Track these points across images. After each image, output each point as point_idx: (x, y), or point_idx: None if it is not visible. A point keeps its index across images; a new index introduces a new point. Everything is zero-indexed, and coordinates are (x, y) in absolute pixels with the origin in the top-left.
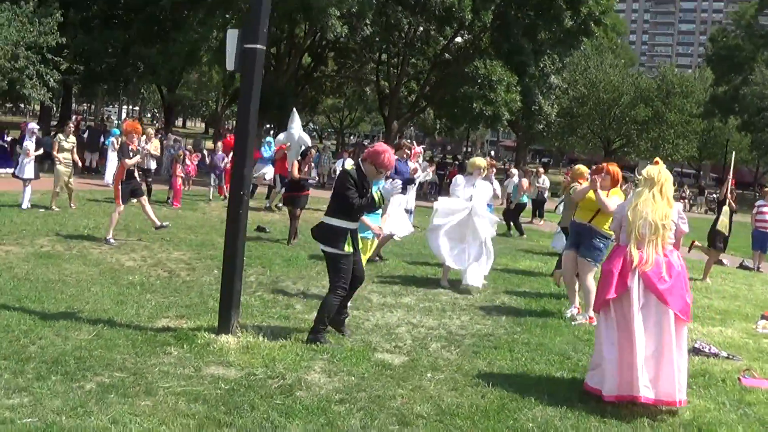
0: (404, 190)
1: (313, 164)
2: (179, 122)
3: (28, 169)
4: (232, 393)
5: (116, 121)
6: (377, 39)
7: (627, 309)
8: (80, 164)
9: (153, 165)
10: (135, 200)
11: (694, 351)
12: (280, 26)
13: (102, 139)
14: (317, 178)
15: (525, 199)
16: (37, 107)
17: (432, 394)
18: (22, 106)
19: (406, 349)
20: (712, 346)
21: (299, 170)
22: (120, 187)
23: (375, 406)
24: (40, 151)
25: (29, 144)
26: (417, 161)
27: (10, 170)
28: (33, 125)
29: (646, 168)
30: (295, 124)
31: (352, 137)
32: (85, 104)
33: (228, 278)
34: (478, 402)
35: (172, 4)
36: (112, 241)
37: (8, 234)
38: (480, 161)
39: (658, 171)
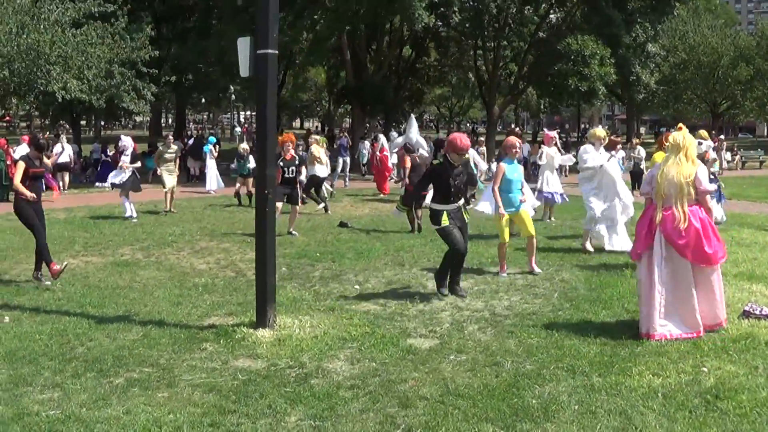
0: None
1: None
2: (297, 123)
3: (128, 181)
4: (247, 383)
5: (237, 129)
6: (467, 25)
7: (652, 261)
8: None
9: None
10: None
11: (744, 314)
12: (369, 21)
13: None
14: None
15: None
16: (143, 119)
17: (446, 375)
18: (137, 119)
19: (440, 333)
20: (765, 307)
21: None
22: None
23: (382, 390)
24: (137, 164)
25: (125, 158)
26: (554, 144)
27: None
28: (126, 140)
29: (672, 135)
30: (413, 129)
31: (468, 124)
32: (204, 113)
33: (261, 274)
34: (490, 381)
35: None
36: (295, 233)
37: (94, 245)
38: (600, 131)
39: (683, 137)
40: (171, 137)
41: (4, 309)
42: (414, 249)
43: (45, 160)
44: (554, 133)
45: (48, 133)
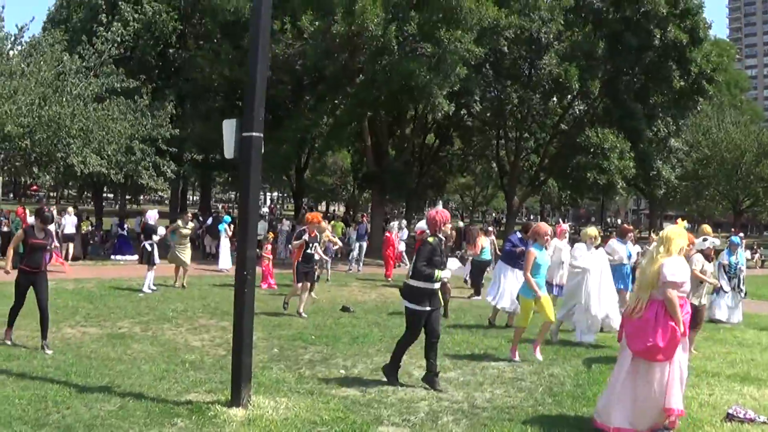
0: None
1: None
2: (322, 207)
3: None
4: None
5: (264, 209)
6: (488, 115)
7: None
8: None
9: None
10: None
11: (728, 417)
12: (390, 109)
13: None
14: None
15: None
16: (168, 195)
17: None
18: (162, 195)
19: (413, 422)
20: (750, 411)
21: None
22: (297, 267)
23: None
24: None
25: (162, 230)
26: (564, 237)
27: (132, 257)
28: (153, 213)
29: (666, 228)
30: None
31: (493, 214)
32: (232, 192)
33: (236, 354)
34: None
35: (288, 93)
36: (300, 314)
37: (96, 317)
38: (591, 231)
39: (670, 230)
40: (190, 214)
41: None
42: None
43: (50, 230)
44: (566, 226)
45: (56, 203)
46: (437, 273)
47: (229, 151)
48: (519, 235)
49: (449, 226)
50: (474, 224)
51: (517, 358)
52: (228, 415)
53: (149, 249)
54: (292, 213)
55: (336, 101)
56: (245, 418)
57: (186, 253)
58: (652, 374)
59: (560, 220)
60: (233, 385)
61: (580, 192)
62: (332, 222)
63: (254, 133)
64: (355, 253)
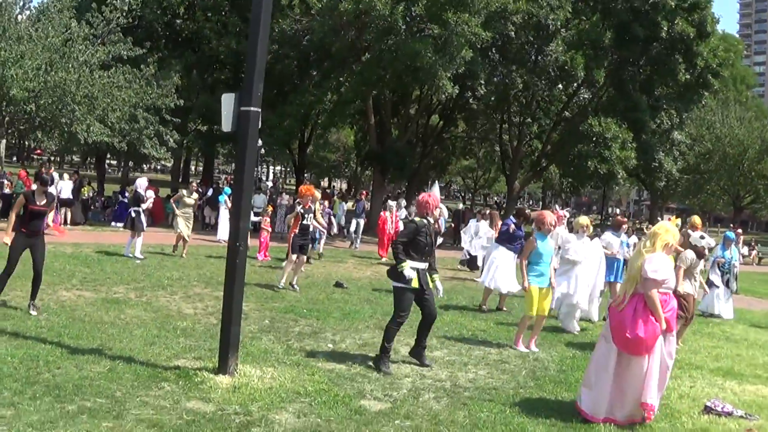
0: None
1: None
2: (325, 183)
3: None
4: (190, 424)
5: (267, 183)
6: (493, 98)
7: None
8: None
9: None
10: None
11: (706, 410)
12: (395, 88)
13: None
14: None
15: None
16: (171, 164)
17: None
18: (165, 164)
19: (395, 398)
20: (728, 404)
21: None
22: (293, 239)
23: None
24: (148, 204)
25: (151, 194)
26: (562, 224)
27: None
28: (143, 181)
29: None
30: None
31: (495, 198)
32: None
33: (226, 323)
34: None
35: (293, 68)
36: (293, 287)
37: (92, 281)
38: (583, 220)
39: (658, 225)
40: (195, 184)
41: None
42: None
43: (52, 193)
44: (565, 213)
45: (54, 167)
46: (404, 264)
47: (227, 125)
48: (514, 220)
49: (438, 211)
50: (475, 207)
51: (521, 347)
52: (214, 381)
53: (133, 216)
54: (294, 187)
55: (341, 78)
56: (230, 385)
57: (189, 223)
58: (632, 367)
59: (559, 206)
60: (221, 353)
61: (580, 180)
62: (334, 198)
63: (252, 108)
64: (353, 228)
